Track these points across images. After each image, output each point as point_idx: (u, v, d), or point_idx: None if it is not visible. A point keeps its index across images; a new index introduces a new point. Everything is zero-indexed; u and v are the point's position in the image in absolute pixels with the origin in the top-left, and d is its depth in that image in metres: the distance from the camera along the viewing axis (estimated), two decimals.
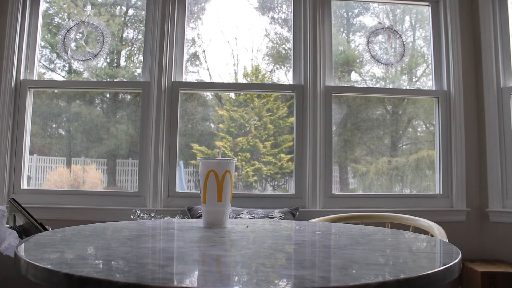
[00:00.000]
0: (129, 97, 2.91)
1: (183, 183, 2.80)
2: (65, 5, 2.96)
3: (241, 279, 0.65)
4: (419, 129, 3.05)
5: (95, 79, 2.89)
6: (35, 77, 2.78)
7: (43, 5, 2.86)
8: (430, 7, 2.94)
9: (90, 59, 2.76)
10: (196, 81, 2.91)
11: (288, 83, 2.89)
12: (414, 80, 3.07)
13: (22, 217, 1.72)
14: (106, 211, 2.58)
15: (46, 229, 1.71)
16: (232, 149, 2.86)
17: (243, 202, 2.61)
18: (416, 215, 1.91)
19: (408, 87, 2.98)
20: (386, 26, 2.87)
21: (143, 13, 2.90)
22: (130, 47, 3.03)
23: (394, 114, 3.02)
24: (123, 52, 3.02)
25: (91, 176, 2.83)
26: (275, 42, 3.04)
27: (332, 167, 2.73)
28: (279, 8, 3.05)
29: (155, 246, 0.92)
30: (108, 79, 2.90)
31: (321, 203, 2.67)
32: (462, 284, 2.55)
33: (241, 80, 2.96)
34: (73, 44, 2.77)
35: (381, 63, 2.85)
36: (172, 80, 2.75)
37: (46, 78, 2.89)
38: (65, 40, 2.74)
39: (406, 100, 2.97)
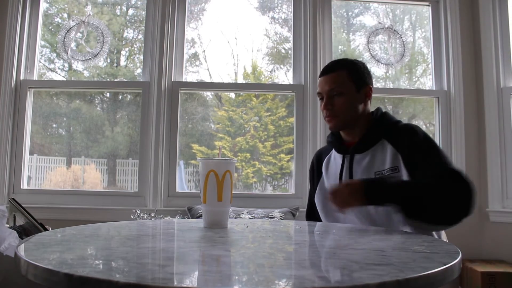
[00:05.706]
0: (129, 97, 2.91)
1: (183, 183, 2.80)
2: (66, 5, 2.96)
3: (241, 279, 0.65)
4: None
5: (95, 79, 2.89)
6: (35, 77, 2.78)
7: (43, 5, 2.86)
8: (430, 7, 2.94)
9: (90, 58, 2.76)
10: (196, 81, 2.91)
11: (288, 83, 2.89)
12: (414, 80, 3.06)
13: (22, 217, 1.72)
14: (106, 211, 2.58)
15: (46, 229, 1.71)
16: (231, 149, 2.86)
17: (243, 202, 2.61)
18: None
19: (408, 87, 2.98)
20: (386, 26, 2.87)
21: (143, 13, 2.90)
22: (130, 47, 3.03)
23: (394, 114, 3.01)
24: (123, 52, 3.02)
25: (91, 176, 2.83)
26: (275, 42, 3.03)
27: None
28: (279, 8, 3.05)
29: (155, 246, 0.92)
30: (108, 79, 2.90)
31: None
32: (462, 284, 2.55)
33: (241, 80, 2.96)
34: (73, 44, 2.77)
35: (381, 63, 2.85)
36: (172, 80, 2.74)
37: (46, 78, 2.89)
38: (65, 40, 2.74)
39: (406, 100, 2.96)
